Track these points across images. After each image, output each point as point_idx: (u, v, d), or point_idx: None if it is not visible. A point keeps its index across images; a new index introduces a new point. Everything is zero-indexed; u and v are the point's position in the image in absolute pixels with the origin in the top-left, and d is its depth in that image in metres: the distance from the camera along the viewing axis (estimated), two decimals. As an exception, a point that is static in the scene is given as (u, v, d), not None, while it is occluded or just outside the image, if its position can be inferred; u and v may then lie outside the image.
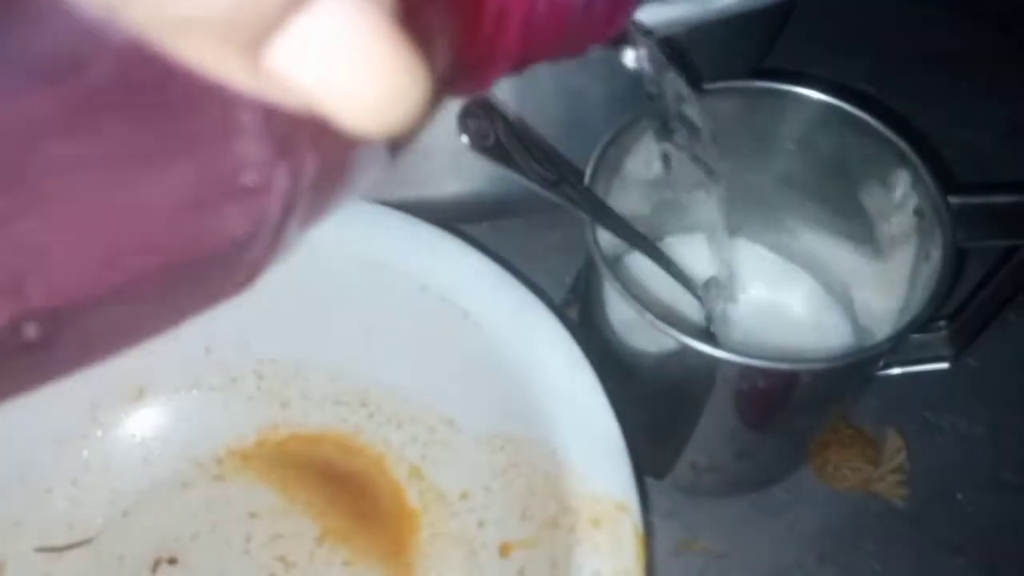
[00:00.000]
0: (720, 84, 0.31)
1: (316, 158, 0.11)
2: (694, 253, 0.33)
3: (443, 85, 0.13)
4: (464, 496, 0.34)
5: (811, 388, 0.28)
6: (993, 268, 0.32)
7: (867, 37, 0.50)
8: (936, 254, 0.28)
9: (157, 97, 0.09)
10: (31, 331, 0.10)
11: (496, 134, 0.25)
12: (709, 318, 0.32)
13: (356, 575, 0.33)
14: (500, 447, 0.32)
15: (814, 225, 0.34)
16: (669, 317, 0.28)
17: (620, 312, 0.29)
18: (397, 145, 0.12)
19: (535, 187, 0.26)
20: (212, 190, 0.10)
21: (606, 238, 0.30)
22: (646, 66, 0.23)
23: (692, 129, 0.26)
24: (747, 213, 0.34)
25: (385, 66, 0.10)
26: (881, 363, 0.31)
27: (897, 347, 0.34)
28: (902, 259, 0.31)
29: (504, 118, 0.25)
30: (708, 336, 0.32)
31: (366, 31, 0.10)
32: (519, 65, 0.16)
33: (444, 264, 0.32)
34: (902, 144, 0.30)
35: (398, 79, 0.10)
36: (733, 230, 0.34)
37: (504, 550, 0.31)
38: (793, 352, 0.33)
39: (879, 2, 0.51)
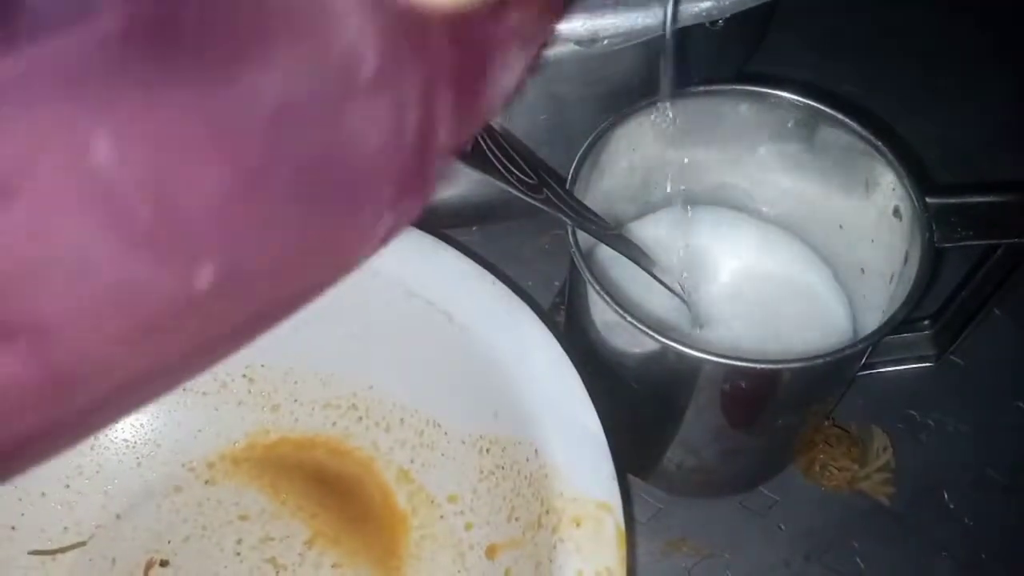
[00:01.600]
0: (701, 88, 0.31)
1: (441, 50, 0.10)
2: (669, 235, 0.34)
3: None
4: (452, 499, 0.34)
5: (792, 386, 0.29)
6: (974, 267, 0.32)
7: (850, 39, 0.50)
8: (915, 255, 0.28)
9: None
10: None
11: (476, 140, 0.25)
12: (693, 316, 0.32)
13: (345, 577, 0.33)
14: (486, 449, 0.33)
15: (795, 229, 0.35)
16: (650, 318, 0.29)
17: (603, 314, 0.29)
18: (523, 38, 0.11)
19: (516, 192, 0.27)
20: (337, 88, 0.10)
21: (588, 241, 0.30)
22: None
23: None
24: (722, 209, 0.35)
25: None
26: (863, 362, 0.31)
27: (877, 346, 0.34)
28: (883, 260, 0.31)
29: (485, 124, 0.25)
30: (692, 333, 0.32)
31: None
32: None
33: (429, 268, 0.33)
34: (880, 145, 0.30)
35: None
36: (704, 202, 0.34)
37: (491, 552, 0.32)
38: (784, 328, 0.33)
39: (861, 4, 0.51)
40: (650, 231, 0.34)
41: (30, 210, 0.09)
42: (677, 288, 0.31)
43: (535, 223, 0.42)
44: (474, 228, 0.44)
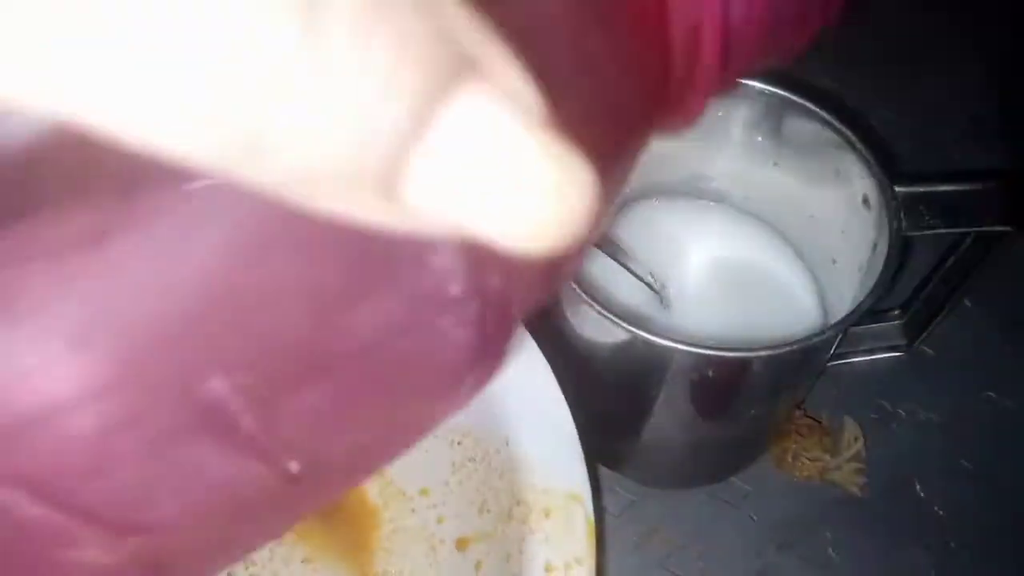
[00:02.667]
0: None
1: (499, 274, 0.11)
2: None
3: (632, 147, 0.12)
4: (423, 492, 0.34)
5: (762, 375, 0.29)
6: (943, 256, 0.32)
7: (826, 33, 0.50)
8: (883, 244, 0.28)
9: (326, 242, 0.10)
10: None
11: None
12: (664, 305, 0.32)
13: (316, 572, 0.33)
14: (458, 442, 0.32)
15: (768, 219, 0.35)
16: (621, 308, 0.29)
17: (573, 304, 0.29)
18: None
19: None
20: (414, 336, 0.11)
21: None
22: None
23: None
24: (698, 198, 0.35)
25: (537, 178, 0.08)
26: (832, 351, 0.31)
27: (846, 336, 0.34)
28: (853, 249, 0.31)
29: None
30: (664, 322, 0.32)
31: (506, 141, 0.08)
32: (727, 81, 0.14)
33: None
34: (849, 134, 0.30)
35: (560, 191, 0.08)
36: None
37: (462, 544, 0.32)
38: (755, 318, 0.33)
39: (837, -3, 0.52)
40: (623, 223, 0.34)
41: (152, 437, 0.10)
42: (648, 278, 0.31)
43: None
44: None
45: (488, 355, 0.12)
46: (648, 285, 0.32)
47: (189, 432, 0.11)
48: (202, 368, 0.10)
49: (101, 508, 0.11)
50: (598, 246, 0.29)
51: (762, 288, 0.34)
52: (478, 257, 0.10)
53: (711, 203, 0.35)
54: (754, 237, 0.35)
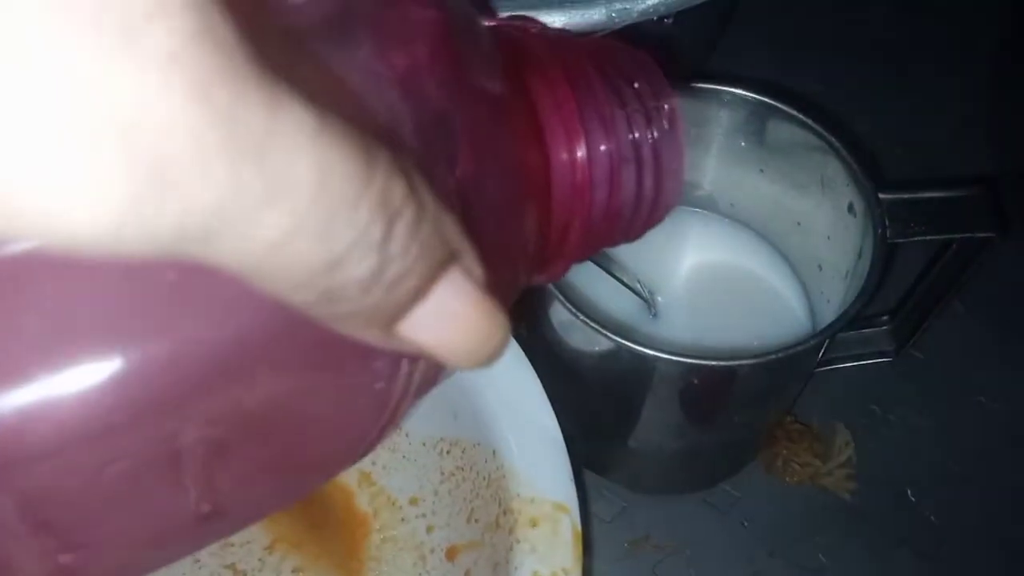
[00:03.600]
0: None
1: (420, 375, 0.15)
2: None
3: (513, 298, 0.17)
4: (413, 501, 0.34)
5: (748, 383, 0.29)
6: (930, 262, 0.32)
7: (814, 36, 0.50)
8: (868, 251, 0.28)
9: (324, 348, 0.13)
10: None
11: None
12: (652, 313, 0.32)
13: (306, 581, 0.33)
14: (447, 451, 0.32)
15: (755, 226, 0.35)
16: (607, 317, 0.29)
17: (559, 314, 0.29)
18: None
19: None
20: (354, 394, 0.15)
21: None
22: None
23: None
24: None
25: (482, 331, 0.14)
26: (820, 358, 0.31)
27: (834, 342, 0.34)
28: (839, 256, 0.31)
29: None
30: (651, 329, 0.32)
31: (470, 313, 0.13)
32: (581, 259, 0.20)
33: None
34: (834, 141, 0.30)
35: (491, 336, 0.14)
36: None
37: (451, 553, 0.32)
38: (743, 324, 0.33)
39: (824, 3, 0.52)
40: None
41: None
42: (636, 286, 0.31)
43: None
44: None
45: (389, 429, 0.16)
46: (637, 293, 0.32)
47: (154, 468, 0.13)
48: (189, 417, 0.12)
49: (58, 524, 0.12)
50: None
51: (751, 294, 0.34)
52: (406, 367, 0.14)
53: (698, 210, 0.35)
54: (742, 243, 0.35)
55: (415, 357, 0.14)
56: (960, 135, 0.47)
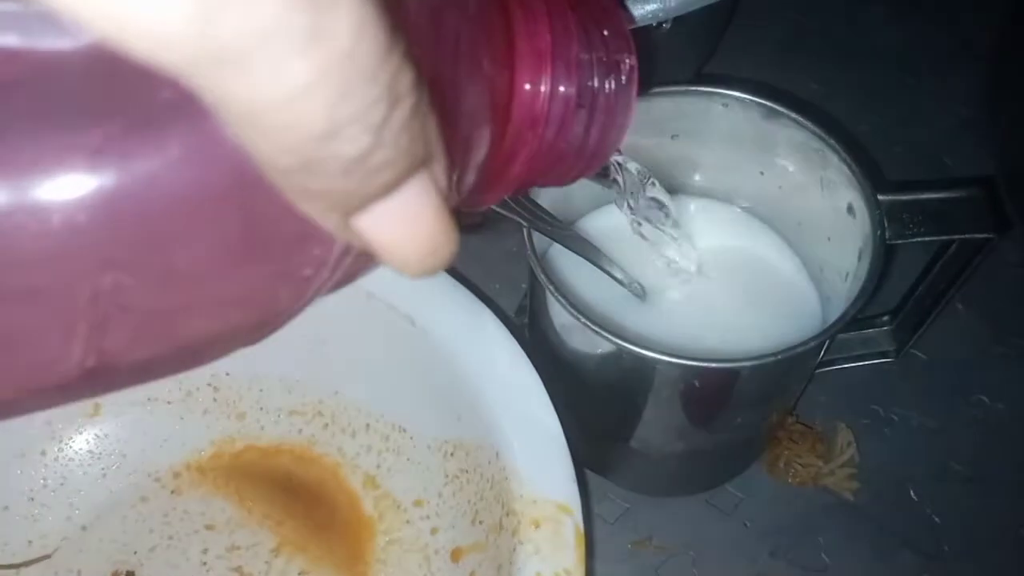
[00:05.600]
0: (656, 89, 0.31)
1: (346, 269, 0.15)
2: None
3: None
4: (418, 503, 0.34)
5: (749, 384, 0.29)
6: (930, 263, 0.32)
7: (814, 37, 0.51)
8: (868, 252, 0.28)
9: (272, 223, 0.13)
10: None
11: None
12: (638, 294, 0.32)
13: (312, 584, 0.33)
14: (450, 453, 0.33)
15: (755, 231, 0.35)
16: (608, 318, 0.29)
17: (560, 316, 0.29)
18: None
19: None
20: (281, 276, 0.14)
21: (546, 244, 0.31)
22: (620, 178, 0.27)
23: (657, 205, 0.30)
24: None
25: (434, 240, 0.14)
26: (821, 359, 0.32)
27: (834, 343, 0.34)
28: (839, 257, 0.31)
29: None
30: (660, 314, 0.32)
31: (428, 219, 0.13)
32: (516, 191, 0.20)
33: (391, 272, 0.33)
34: (834, 143, 0.30)
35: (440, 248, 0.14)
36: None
37: (456, 555, 0.32)
38: (755, 312, 0.33)
39: (826, 2, 0.52)
40: (610, 220, 0.34)
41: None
42: (636, 287, 0.32)
43: (502, 226, 0.43)
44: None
45: (290, 317, 0.16)
46: (634, 293, 0.32)
47: (56, 305, 0.12)
48: (113, 255, 0.12)
49: None
50: (574, 250, 0.30)
51: (762, 279, 0.34)
52: (338, 259, 0.14)
53: (703, 198, 0.35)
54: (751, 232, 0.35)
55: (352, 251, 0.14)
56: (959, 135, 0.47)
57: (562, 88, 0.18)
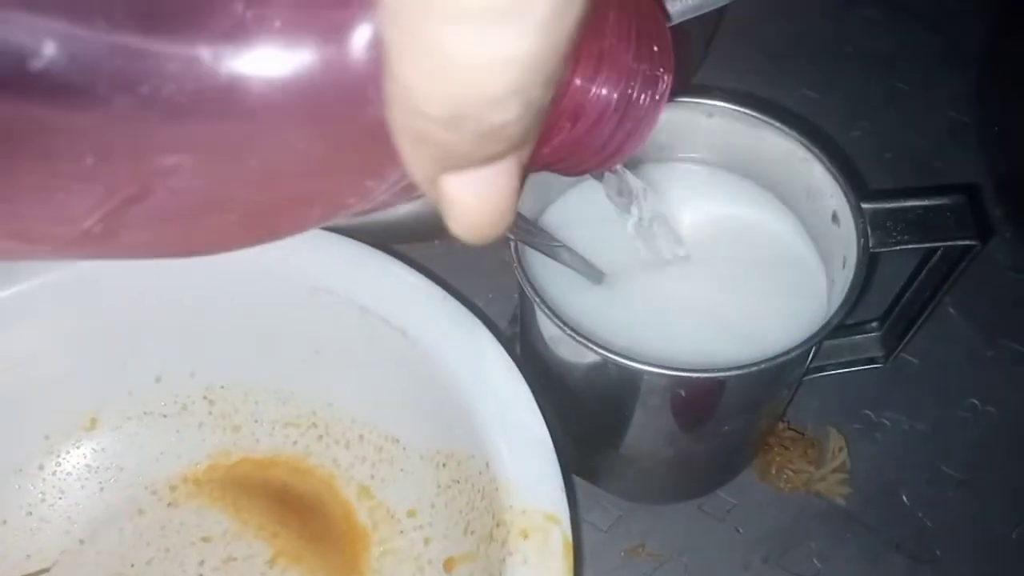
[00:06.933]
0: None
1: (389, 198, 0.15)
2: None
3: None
4: (411, 513, 0.34)
5: (736, 391, 0.29)
6: (916, 269, 0.33)
7: (805, 43, 0.51)
8: (852, 259, 0.29)
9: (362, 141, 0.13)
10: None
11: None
12: (598, 280, 0.31)
13: (307, 594, 0.33)
14: (443, 464, 0.33)
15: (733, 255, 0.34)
16: (592, 327, 0.29)
17: (548, 327, 0.30)
18: None
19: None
20: (348, 189, 0.15)
21: (533, 255, 0.31)
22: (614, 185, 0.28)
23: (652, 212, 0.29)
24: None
25: (499, 214, 0.14)
26: (808, 366, 0.32)
27: (821, 350, 0.34)
28: (826, 264, 0.31)
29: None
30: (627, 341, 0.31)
31: (508, 195, 0.14)
32: (540, 169, 0.21)
33: (382, 285, 0.33)
34: (818, 152, 0.30)
35: (503, 222, 0.15)
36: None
37: (449, 565, 0.32)
38: (763, 296, 0.31)
39: (816, 8, 0.52)
40: (593, 195, 0.32)
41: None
42: (583, 267, 0.30)
43: (504, 236, 0.43)
44: (436, 242, 0.44)
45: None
46: (585, 274, 0.31)
47: (99, 161, 0.13)
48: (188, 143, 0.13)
49: None
50: (564, 262, 0.30)
51: (766, 250, 0.33)
52: (386, 196, 0.15)
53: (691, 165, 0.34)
54: (751, 199, 0.33)
55: (399, 186, 0.15)
56: (949, 141, 0.47)
57: (607, 91, 0.19)
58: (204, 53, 0.12)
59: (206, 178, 0.13)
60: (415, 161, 0.13)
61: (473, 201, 0.14)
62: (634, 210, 0.29)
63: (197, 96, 0.12)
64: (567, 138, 0.20)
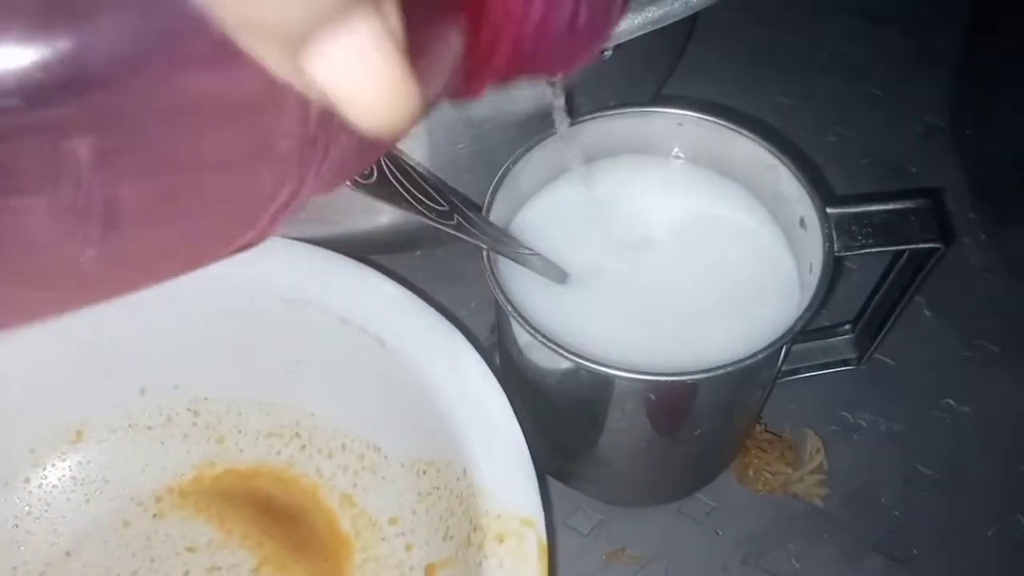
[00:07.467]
0: (608, 111, 0.32)
1: (335, 142, 0.14)
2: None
3: (439, 96, 0.17)
4: (393, 521, 0.35)
5: (708, 394, 0.30)
6: (884, 274, 0.33)
7: (779, 50, 0.52)
8: (818, 264, 0.29)
9: (229, 80, 0.13)
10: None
11: (377, 170, 0.26)
12: (562, 278, 0.32)
13: (291, 602, 0.34)
14: (423, 471, 0.33)
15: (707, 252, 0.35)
16: (564, 334, 0.30)
17: (522, 335, 0.30)
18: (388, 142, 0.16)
19: (427, 220, 0.28)
20: (254, 152, 0.14)
21: (504, 262, 0.31)
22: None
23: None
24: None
25: (389, 87, 0.13)
26: (781, 367, 0.32)
27: (794, 352, 0.35)
28: (794, 269, 0.32)
29: (386, 154, 0.26)
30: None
31: (379, 58, 0.13)
32: (504, 79, 0.19)
33: (361, 296, 0.33)
34: (784, 159, 0.31)
35: (398, 99, 0.14)
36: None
37: (429, 571, 0.33)
38: (730, 269, 0.32)
39: (789, 15, 0.53)
40: (564, 191, 0.34)
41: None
42: (547, 269, 0.31)
43: (477, 245, 0.43)
44: (418, 252, 0.44)
45: (287, 209, 0.15)
46: (557, 281, 0.31)
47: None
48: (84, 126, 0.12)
49: None
50: (537, 271, 0.30)
51: (734, 239, 0.33)
52: (318, 130, 0.14)
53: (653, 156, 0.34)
54: (721, 192, 0.34)
55: (328, 122, 0.14)
56: (924, 145, 0.48)
57: None
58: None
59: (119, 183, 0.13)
60: (266, 54, 0.13)
61: (344, 75, 0.13)
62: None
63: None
64: (524, 30, 0.18)
